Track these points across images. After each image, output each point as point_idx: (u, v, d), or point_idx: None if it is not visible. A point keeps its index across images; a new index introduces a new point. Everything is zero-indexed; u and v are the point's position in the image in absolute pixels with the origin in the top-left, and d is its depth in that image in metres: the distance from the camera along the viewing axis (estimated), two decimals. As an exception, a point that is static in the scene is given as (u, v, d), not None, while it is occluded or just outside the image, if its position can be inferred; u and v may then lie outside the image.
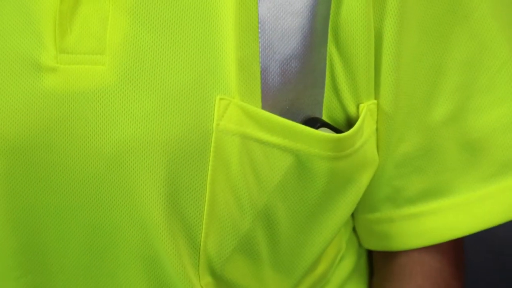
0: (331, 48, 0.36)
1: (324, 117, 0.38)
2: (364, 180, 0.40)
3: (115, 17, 0.34)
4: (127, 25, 0.34)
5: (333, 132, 0.37)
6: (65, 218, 0.36)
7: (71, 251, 0.37)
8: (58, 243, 0.37)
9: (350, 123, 0.38)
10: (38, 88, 0.34)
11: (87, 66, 0.34)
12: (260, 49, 0.35)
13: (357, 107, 0.38)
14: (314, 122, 0.36)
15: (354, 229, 0.46)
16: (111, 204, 0.35)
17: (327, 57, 0.36)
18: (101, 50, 0.34)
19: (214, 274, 0.38)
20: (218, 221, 0.36)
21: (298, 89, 0.36)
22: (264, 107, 0.35)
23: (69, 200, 0.36)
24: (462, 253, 0.46)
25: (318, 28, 0.36)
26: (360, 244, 0.47)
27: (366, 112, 0.38)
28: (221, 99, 0.33)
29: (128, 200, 0.35)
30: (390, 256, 0.44)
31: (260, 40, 0.35)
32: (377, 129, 0.40)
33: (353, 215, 0.45)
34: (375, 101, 0.38)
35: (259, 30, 0.35)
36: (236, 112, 0.34)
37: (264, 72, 0.35)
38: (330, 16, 0.36)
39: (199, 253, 0.36)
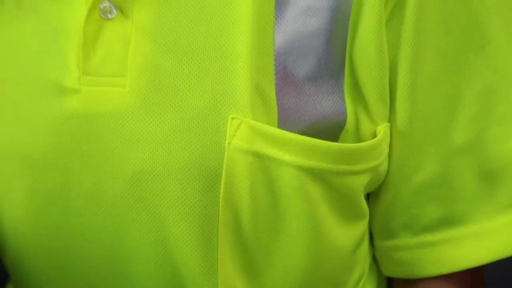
0: (347, 73, 0.37)
1: (341, 140, 0.38)
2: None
3: (137, 41, 0.35)
4: (148, 48, 0.35)
5: None
6: (86, 238, 0.38)
7: (92, 269, 0.39)
8: (81, 261, 0.39)
9: None
10: (61, 110, 0.36)
11: (109, 88, 0.35)
12: (275, 72, 0.35)
13: (373, 131, 0.38)
14: None
15: (374, 257, 0.47)
16: (131, 224, 0.37)
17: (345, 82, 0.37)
18: (123, 73, 0.35)
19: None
20: (232, 238, 0.37)
21: (316, 112, 0.36)
22: (280, 128, 0.35)
23: (89, 220, 0.37)
24: (482, 281, 0.45)
25: (335, 52, 0.36)
26: (379, 272, 0.47)
27: (383, 134, 0.38)
28: (233, 118, 0.34)
29: (148, 220, 0.36)
30: (408, 284, 0.44)
31: (275, 63, 0.35)
32: (389, 155, 0.40)
33: (372, 243, 0.46)
34: (389, 124, 0.39)
35: (275, 53, 0.35)
36: (247, 131, 0.34)
37: (279, 93, 0.36)
38: (348, 41, 0.36)
39: (217, 271, 0.37)
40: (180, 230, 0.36)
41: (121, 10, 0.36)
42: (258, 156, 0.35)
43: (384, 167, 0.40)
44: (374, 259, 0.47)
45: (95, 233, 0.38)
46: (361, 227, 0.42)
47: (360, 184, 0.38)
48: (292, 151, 0.35)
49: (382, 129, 0.38)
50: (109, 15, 0.35)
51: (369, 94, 0.37)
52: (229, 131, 0.34)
